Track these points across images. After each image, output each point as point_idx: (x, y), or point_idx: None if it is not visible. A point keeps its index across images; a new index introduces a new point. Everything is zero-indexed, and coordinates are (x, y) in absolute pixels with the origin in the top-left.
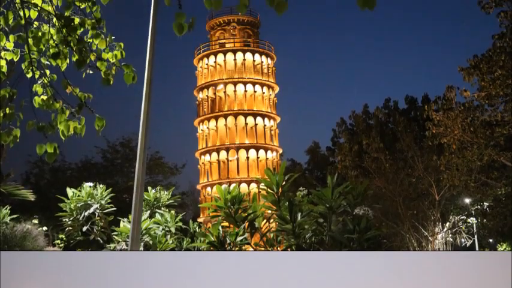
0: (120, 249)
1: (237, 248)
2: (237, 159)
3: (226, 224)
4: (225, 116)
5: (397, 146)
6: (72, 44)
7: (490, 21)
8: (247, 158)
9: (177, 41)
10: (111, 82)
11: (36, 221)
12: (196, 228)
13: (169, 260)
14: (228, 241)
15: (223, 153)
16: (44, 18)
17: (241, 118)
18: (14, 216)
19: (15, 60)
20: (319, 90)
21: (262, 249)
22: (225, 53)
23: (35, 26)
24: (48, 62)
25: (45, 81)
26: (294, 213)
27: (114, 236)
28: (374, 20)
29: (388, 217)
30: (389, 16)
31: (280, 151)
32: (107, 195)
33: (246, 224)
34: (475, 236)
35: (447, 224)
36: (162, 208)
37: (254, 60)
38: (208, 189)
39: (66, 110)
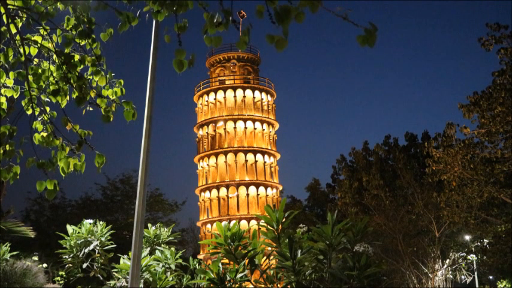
0: (120, 286)
1: (237, 285)
2: (237, 196)
3: (226, 260)
4: (225, 153)
5: (397, 183)
6: (72, 81)
7: (490, 58)
8: (247, 195)
9: (177, 77)
10: (111, 119)
11: (36, 258)
12: (197, 265)
13: None
14: (228, 278)
15: (223, 190)
16: (44, 55)
17: (241, 155)
18: (14, 253)
19: (15, 97)
20: (319, 126)
21: (262, 286)
22: (225, 90)
23: (35, 63)
24: (48, 99)
25: (45, 118)
26: (294, 250)
27: (114, 273)
28: (374, 57)
29: (388, 254)
30: (389, 53)
31: (280, 188)
32: (106, 232)
33: (246, 260)
34: (475, 273)
35: (447, 260)
36: (162, 245)
37: (254, 97)
38: (208, 226)
39: (66, 147)
